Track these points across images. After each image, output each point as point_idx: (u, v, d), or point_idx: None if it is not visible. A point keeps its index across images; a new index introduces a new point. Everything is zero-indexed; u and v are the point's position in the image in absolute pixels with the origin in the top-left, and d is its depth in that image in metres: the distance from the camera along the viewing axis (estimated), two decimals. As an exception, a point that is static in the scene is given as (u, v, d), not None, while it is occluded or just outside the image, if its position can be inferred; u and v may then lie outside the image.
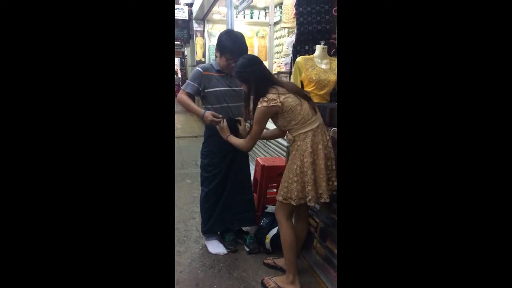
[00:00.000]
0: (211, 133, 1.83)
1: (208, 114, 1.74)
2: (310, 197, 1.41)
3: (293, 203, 1.45)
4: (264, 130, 1.69)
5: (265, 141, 3.17)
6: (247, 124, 1.76)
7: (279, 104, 1.39)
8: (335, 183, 1.48)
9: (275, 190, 2.33)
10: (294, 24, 3.36)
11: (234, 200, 1.90)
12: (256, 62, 1.50)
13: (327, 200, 1.43)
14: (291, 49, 2.01)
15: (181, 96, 1.77)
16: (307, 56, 1.86)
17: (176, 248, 1.96)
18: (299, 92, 1.47)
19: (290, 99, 1.41)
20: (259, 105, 1.41)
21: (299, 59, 1.84)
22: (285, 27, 3.73)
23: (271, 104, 1.38)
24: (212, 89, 1.76)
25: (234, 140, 1.65)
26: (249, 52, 1.72)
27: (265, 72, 1.50)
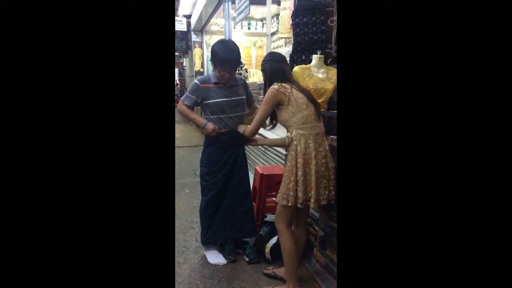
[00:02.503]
0: (210, 142, 1.84)
1: (210, 124, 1.76)
2: (299, 196, 1.44)
3: (289, 203, 1.47)
4: (271, 138, 1.72)
5: (263, 149, 3.18)
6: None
7: (288, 94, 1.46)
8: (333, 193, 1.49)
9: (274, 198, 2.33)
10: (291, 34, 3.40)
11: (234, 211, 1.89)
12: (275, 57, 1.62)
13: (313, 206, 1.46)
14: (288, 58, 2.04)
15: (181, 107, 1.81)
16: (304, 66, 1.88)
17: (176, 259, 1.95)
18: (309, 96, 1.55)
19: (300, 96, 1.48)
20: (271, 88, 1.49)
21: (296, 68, 1.86)
22: (282, 37, 3.78)
23: (281, 90, 1.47)
24: (210, 101, 1.78)
25: (246, 130, 1.70)
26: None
27: (283, 68, 1.58)
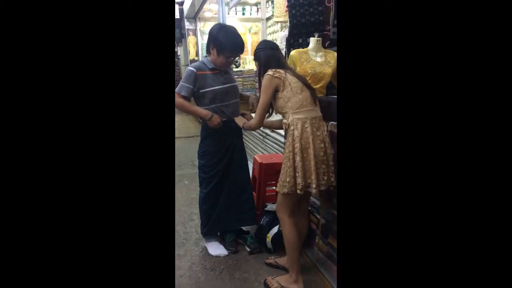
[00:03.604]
0: (208, 133, 1.78)
1: (217, 117, 1.70)
2: (298, 182, 1.41)
3: (289, 190, 1.44)
4: (267, 119, 1.68)
5: (262, 137, 3.13)
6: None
7: (282, 78, 1.44)
8: (332, 179, 1.46)
9: (274, 187, 2.30)
10: (287, 18, 3.29)
11: (234, 201, 1.85)
12: (268, 44, 1.59)
13: (315, 191, 1.43)
14: (285, 43, 1.96)
15: (178, 100, 1.67)
16: (301, 50, 1.81)
17: (176, 252, 1.92)
18: (304, 81, 1.52)
19: (294, 80, 1.45)
20: (265, 75, 1.46)
21: (293, 52, 1.79)
22: (277, 22, 3.67)
23: (275, 75, 1.44)
24: (207, 89, 1.69)
25: (248, 124, 1.66)
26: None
27: (277, 55, 1.54)
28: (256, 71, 4.17)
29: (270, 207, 2.08)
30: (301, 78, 1.50)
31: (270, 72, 1.46)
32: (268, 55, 1.53)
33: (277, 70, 1.46)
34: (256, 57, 1.58)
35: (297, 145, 1.40)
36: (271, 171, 2.15)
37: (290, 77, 1.46)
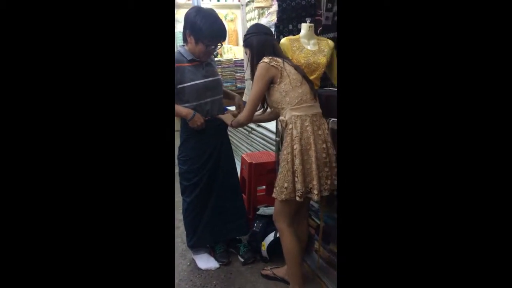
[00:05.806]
0: (188, 135, 1.57)
1: (199, 116, 1.48)
2: (297, 188, 1.25)
3: (288, 197, 1.28)
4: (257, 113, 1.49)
5: (247, 132, 2.93)
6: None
7: (280, 68, 1.27)
8: (336, 182, 1.31)
9: (264, 186, 2.14)
10: (269, 3, 3.07)
11: (222, 209, 1.66)
12: (261, 29, 1.42)
13: (316, 198, 1.27)
14: (274, 29, 1.77)
15: None
16: (292, 37, 1.62)
17: (161, 267, 1.73)
18: (303, 72, 1.34)
19: (293, 71, 1.30)
20: (261, 62, 1.29)
21: (283, 40, 1.60)
22: (258, 7, 3.44)
23: (272, 64, 1.27)
24: (186, 84, 1.47)
25: (236, 120, 1.45)
26: None
27: (271, 42, 1.37)
28: (235, 60, 3.92)
29: (263, 210, 1.92)
30: (300, 70, 1.33)
31: (266, 59, 1.27)
32: (261, 40, 1.34)
33: (274, 58, 1.28)
34: (247, 43, 1.38)
35: (297, 146, 1.24)
36: (261, 171, 1.99)
37: (288, 68, 1.28)
